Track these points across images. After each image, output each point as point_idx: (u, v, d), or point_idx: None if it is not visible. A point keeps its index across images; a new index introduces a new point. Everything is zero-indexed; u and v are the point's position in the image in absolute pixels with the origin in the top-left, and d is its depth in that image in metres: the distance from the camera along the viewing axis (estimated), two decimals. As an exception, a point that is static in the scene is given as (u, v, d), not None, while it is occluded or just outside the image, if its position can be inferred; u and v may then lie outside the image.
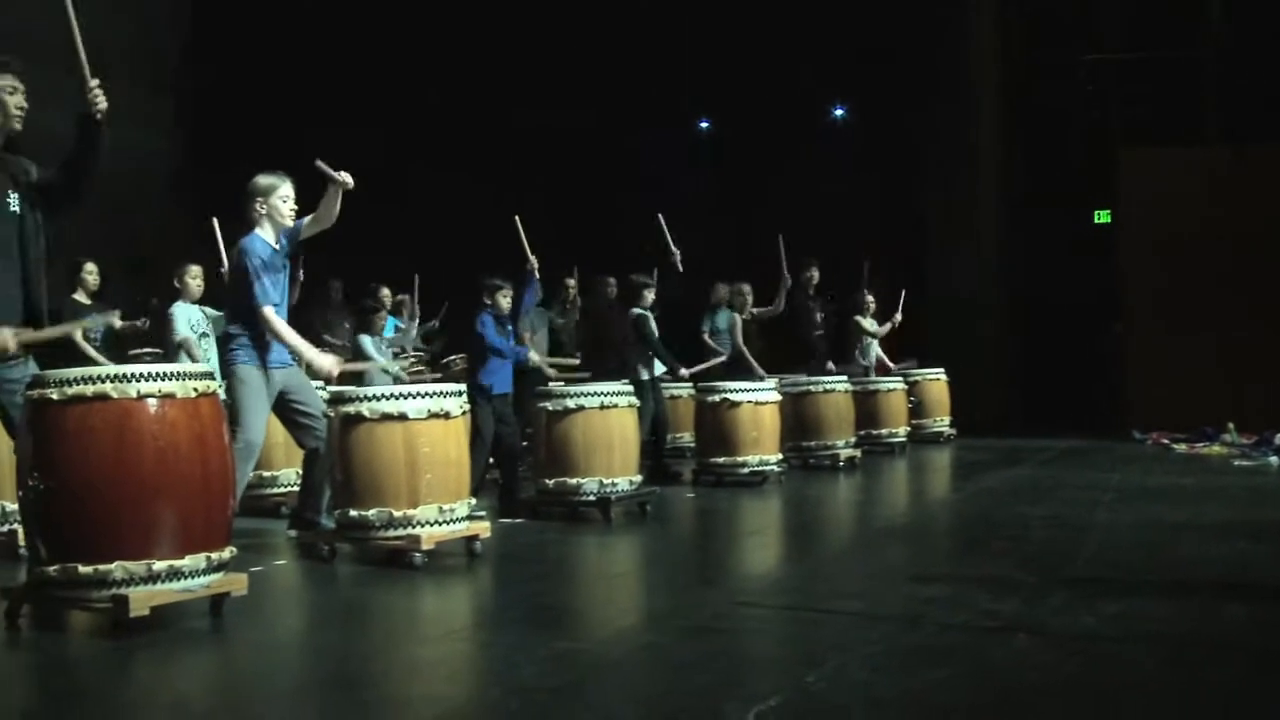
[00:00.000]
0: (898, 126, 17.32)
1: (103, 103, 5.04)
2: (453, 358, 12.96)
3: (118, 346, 10.63)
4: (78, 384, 4.66)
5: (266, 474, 8.63)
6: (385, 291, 11.22)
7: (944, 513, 8.62)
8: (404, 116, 16.45)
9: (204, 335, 8.89)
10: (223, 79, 16.11)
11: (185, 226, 15.92)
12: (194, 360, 8.55)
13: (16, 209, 5.16)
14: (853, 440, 11.77)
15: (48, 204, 5.26)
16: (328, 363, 6.62)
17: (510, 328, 8.86)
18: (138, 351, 11.43)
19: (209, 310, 8.93)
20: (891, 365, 14.04)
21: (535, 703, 3.70)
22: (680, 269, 10.72)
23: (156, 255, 10.80)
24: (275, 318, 6.46)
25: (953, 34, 17.44)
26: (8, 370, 5.18)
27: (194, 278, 8.91)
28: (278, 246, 6.58)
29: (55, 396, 4.66)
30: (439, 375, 11.86)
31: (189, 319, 8.86)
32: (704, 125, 19.00)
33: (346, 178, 6.21)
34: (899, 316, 13.70)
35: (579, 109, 17.26)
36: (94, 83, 5.03)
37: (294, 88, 15.98)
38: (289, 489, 8.69)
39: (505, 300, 8.71)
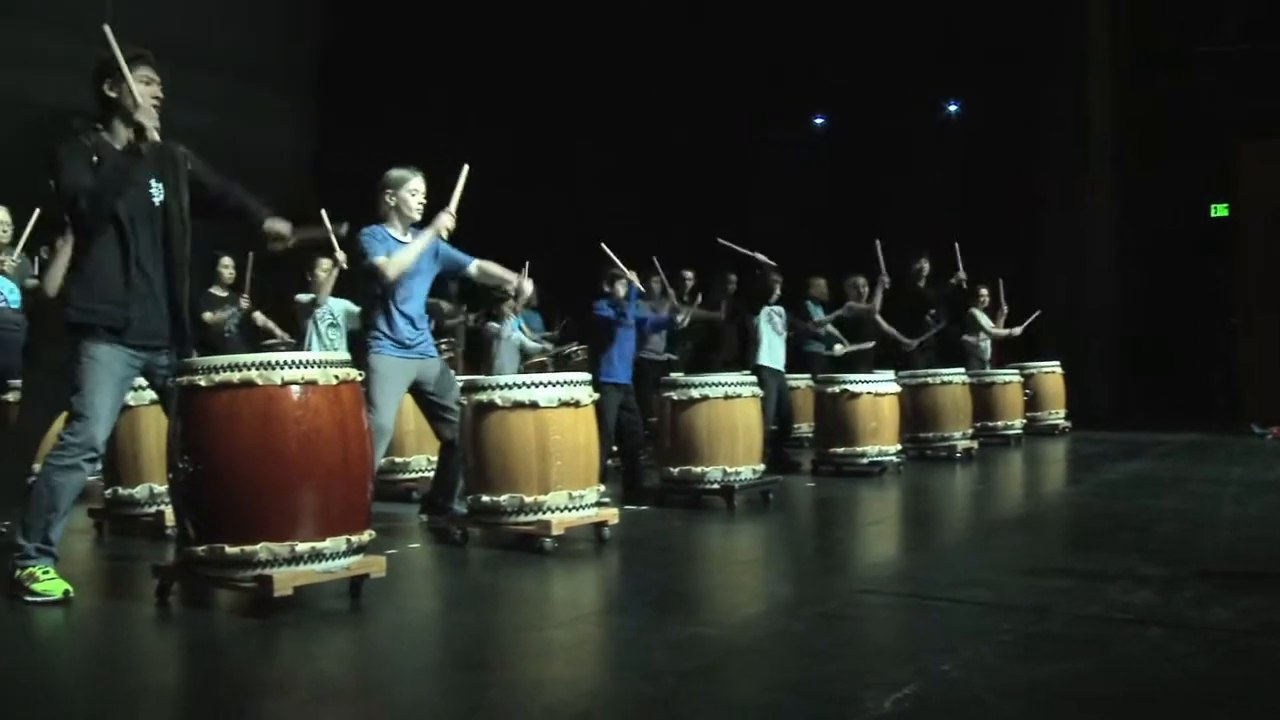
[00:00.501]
0: (1011, 121, 17.01)
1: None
2: (574, 349, 12.98)
3: (253, 338, 10.82)
4: (224, 371, 4.71)
5: (398, 460, 8.70)
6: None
7: (1065, 505, 8.43)
8: (532, 120, 16.50)
9: (333, 325, 8.98)
10: (362, 81, 16.33)
11: (316, 218, 16.27)
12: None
13: (160, 199, 5.24)
14: (969, 432, 11.58)
15: (193, 200, 5.35)
16: (444, 219, 6.61)
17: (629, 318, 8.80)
18: (271, 342, 11.62)
19: (350, 306, 9.01)
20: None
21: (669, 686, 3.65)
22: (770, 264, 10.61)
23: (292, 251, 10.94)
24: (382, 260, 6.47)
25: (1067, 28, 17.09)
26: (162, 356, 5.28)
27: (324, 270, 8.99)
28: (405, 238, 6.60)
29: (203, 383, 4.71)
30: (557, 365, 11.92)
31: (326, 306, 8.97)
32: (819, 122, 18.82)
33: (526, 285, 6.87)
34: (1018, 331, 13.52)
35: (696, 106, 17.22)
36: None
37: (433, 87, 16.15)
38: (419, 474, 8.76)
39: (623, 288, 8.66)
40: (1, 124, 13.16)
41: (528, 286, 6.88)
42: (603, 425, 8.31)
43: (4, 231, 9.10)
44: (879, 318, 11.76)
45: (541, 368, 12.33)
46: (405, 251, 6.48)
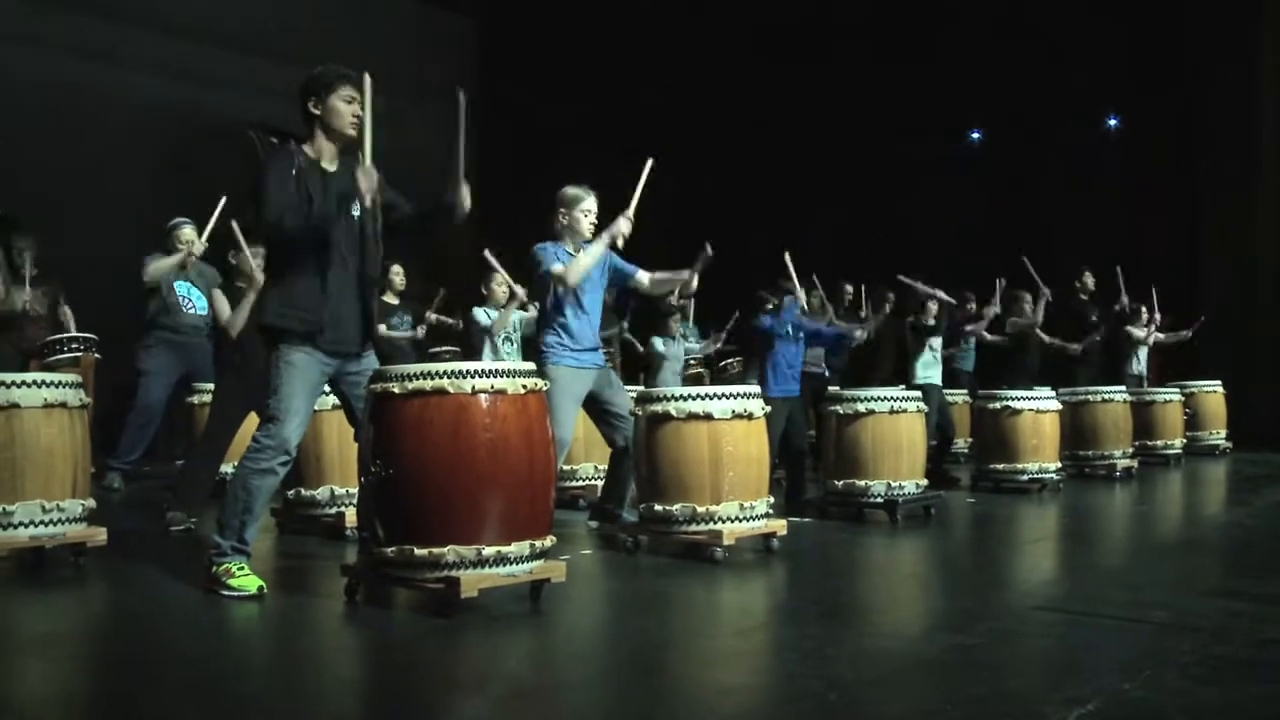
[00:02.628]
0: (1172, 132, 16.63)
1: (468, 206, 5.35)
2: (729, 361, 13.03)
3: (421, 345, 11.05)
4: (418, 379, 4.84)
5: (566, 467, 8.80)
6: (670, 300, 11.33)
7: (1231, 527, 8.23)
8: (689, 137, 16.57)
9: (508, 339, 9.12)
10: (511, 91, 16.56)
11: (482, 234, 16.53)
12: None
13: (358, 214, 5.39)
14: (1129, 451, 11.37)
15: (385, 225, 5.50)
16: (621, 224, 6.69)
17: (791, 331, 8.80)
18: (437, 350, 11.85)
19: (525, 314, 9.15)
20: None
21: (854, 695, 3.68)
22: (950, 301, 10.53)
23: (454, 261, 11.16)
24: (564, 269, 6.65)
25: (1231, 42, 16.65)
26: (351, 364, 5.45)
27: (499, 285, 9.15)
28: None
29: (396, 390, 4.85)
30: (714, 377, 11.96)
31: (498, 317, 9.11)
32: (975, 136, 18.60)
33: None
34: (1188, 333, 13.25)
35: (852, 118, 17.15)
36: (466, 189, 5.34)
37: (581, 99, 16.29)
38: (587, 482, 8.87)
39: (788, 302, 8.67)
40: (177, 135, 13.65)
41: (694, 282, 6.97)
42: (770, 437, 8.35)
43: (191, 246, 9.45)
44: (1040, 331, 11.61)
45: (698, 379, 12.40)
46: (584, 256, 6.62)
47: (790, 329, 8.63)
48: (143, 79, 13.79)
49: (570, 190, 6.85)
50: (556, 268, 6.61)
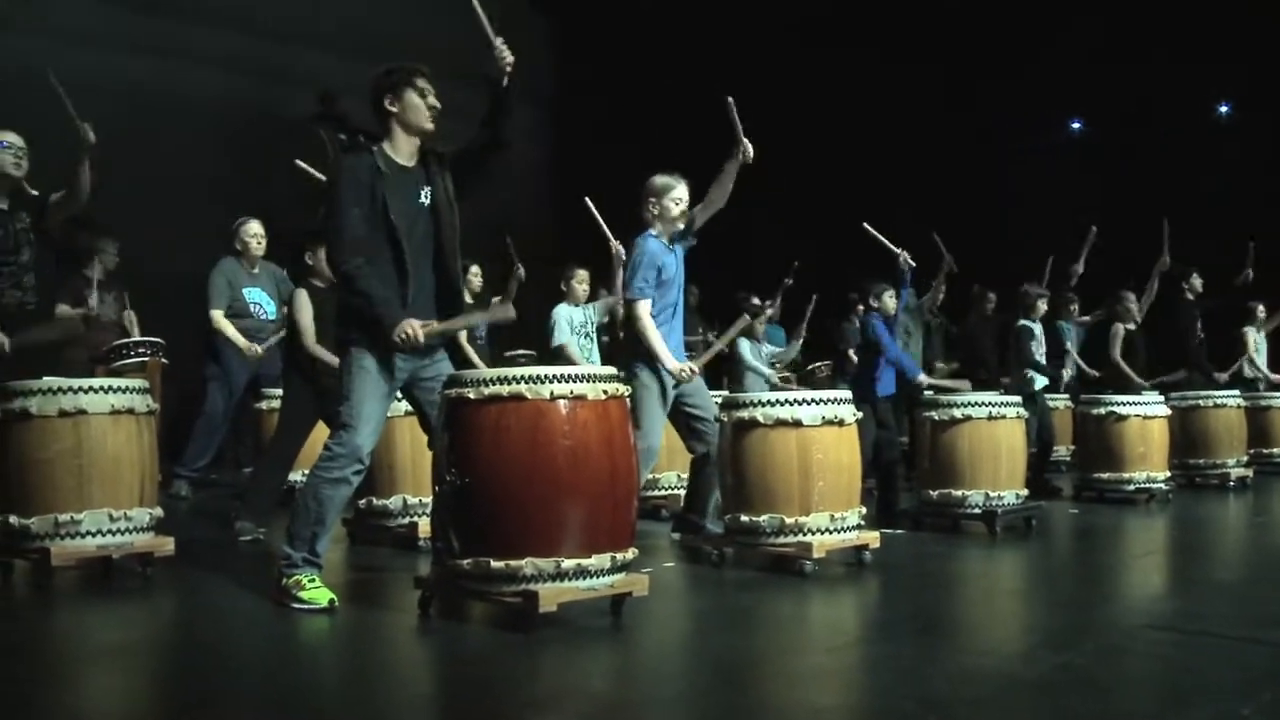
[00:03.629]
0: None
1: (509, 58, 5.24)
2: (818, 364, 12.97)
3: (496, 346, 11.09)
4: (494, 384, 4.85)
5: (649, 476, 8.79)
6: (755, 301, 11.31)
7: (1359, 541, 8.09)
8: (771, 121, 16.51)
9: (587, 335, 9.14)
10: (593, 83, 16.59)
11: (558, 228, 16.57)
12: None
13: (428, 202, 5.42)
14: (1244, 459, 11.17)
15: (458, 184, 5.53)
16: (675, 366, 6.74)
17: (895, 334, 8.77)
18: (513, 354, 11.89)
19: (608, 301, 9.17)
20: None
21: (952, 716, 3.65)
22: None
23: (532, 259, 11.18)
24: (644, 314, 6.73)
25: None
26: (424, 369, 5.47)
27: (580, 282, 9.16)
28: (671, 248, 6.76)
29: (472, 396, 4.86)
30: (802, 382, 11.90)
31: (572, 321, 9.11)
32: (1075, 126, 18.36)
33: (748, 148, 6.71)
34: None
35: (952, 111, 16.99)
36: (499, 41, 5.24)
37: (665, 89, 16.27)
38: (669, 491, 8.87)
39: (891, 301, 8.65)
40: (245, 133, 13.81)
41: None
42: (861, 445, 8.31)
43: (258, 243, 9.56)
44: (1120, 361, 11.33)
45: (785, 385, 12.35)
46: (650, 334, 6.75)
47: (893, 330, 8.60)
48: (207, 76, 13.96)
49: (660, 179, 6.87)
50: (635, 296, 6.78)
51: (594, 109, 16.64)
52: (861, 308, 8.86)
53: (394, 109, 5.40)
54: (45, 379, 6.03)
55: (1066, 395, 11.75)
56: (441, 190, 5.46)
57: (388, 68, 5.45)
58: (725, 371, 11.39)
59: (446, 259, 5.47)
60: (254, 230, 9.58)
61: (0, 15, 12.08)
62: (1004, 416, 7.98)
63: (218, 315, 9.38)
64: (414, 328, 5.19)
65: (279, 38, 14.62)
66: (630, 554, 5.05)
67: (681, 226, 6.84)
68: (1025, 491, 8.14)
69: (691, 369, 6.82)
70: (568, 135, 17.40)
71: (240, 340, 9.29)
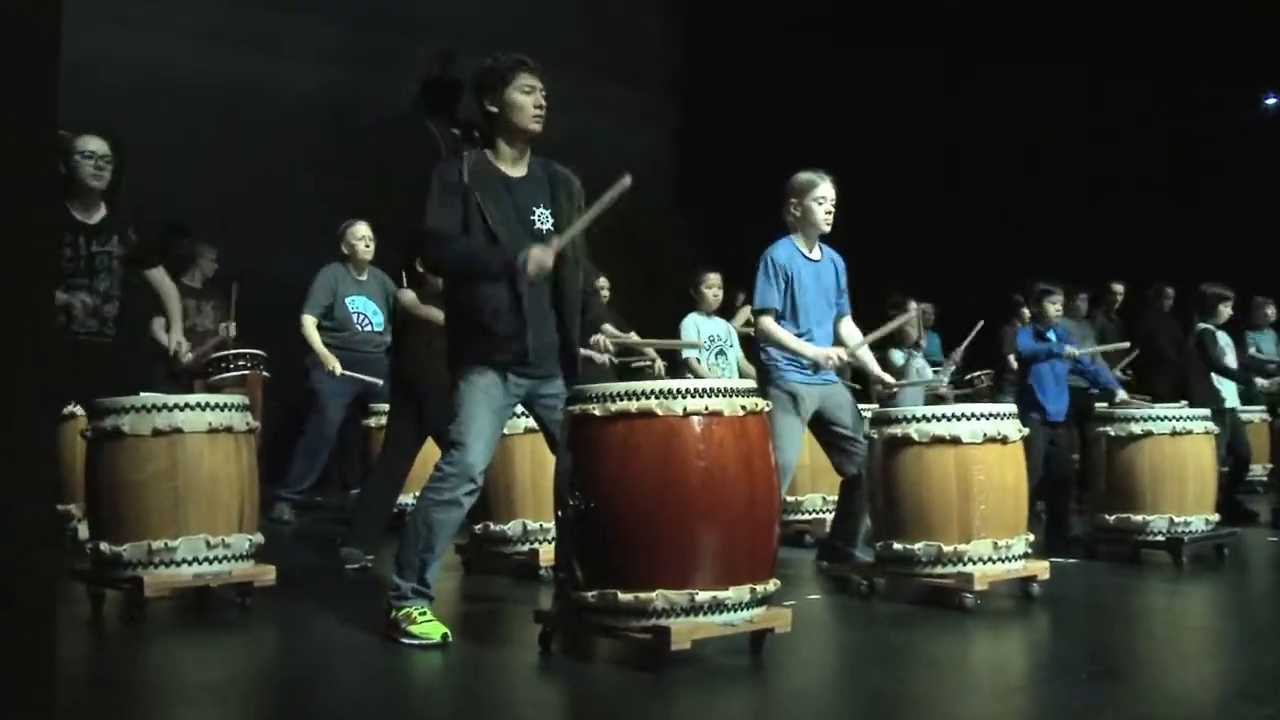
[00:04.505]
0: None
1: (532, 269, 5.24)
2: (978, 374, 12.78)
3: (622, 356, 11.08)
4: (621, 399, 4.84)
5: (790, 498, 8.70)
6: (913, 305, 11.19)
7: None
8: (926, 110, 16.38)
9: (720, 353, 9.09)
10: (726, 74, 16.58)
11: (690, 231, 16.58)
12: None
13: (548, 227, 5.43)
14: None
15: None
16: (816, 353, 6.68)
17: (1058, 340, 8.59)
18: (640, 365, 11.89)
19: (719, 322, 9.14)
20: None
21: (1139, 774, 3.54)
22: None
23: (662, 264, 11.21)
24: (770, 324, 6.71)
25: None
26: (545, 385, 5.48)
27: (710, 287, 9.14)
28: (815, 256, 6.70)
29: (597, 412, 4.85)
30: (964, 394, 11.74)
31: (702, 332, 9.09)
32: (1271, 101, 17.87)
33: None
34: None
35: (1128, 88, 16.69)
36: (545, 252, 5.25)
37: (803, 82, 16.22)
38: (814, 515, 8.81)
39: (1054, 308, 8.50)
40: (349, 130, 14.01)
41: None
42: (1030, 461, 8.17)
43: (366, 246, 9.64)
44: None
45: (940, 397, 12.20)
46: (784, 339, 6.70)
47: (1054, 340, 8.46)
48: (307, 68, 14.19)
49: (802, 176, 6.83)
50: (762, 311, 6.78)
51: (725, 93, 16.62)
52: (1026, 312, 8.71)
53: (495, 110, 5.40)
54: (141, 395, 6.14)
55: (1264, 407, 11.46)
56: (566, 223, 5.43)
57: (486, 63, 5.46)
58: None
59: (565, 301, 5.48)
60: (361, 233, 9.65)
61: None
62: (1190, 432, 7.81)
63: (308, 322, 9.48)
64: (541, 250, 5.19)
65: (384, 25, 14.81)
66: (771, 585, 5.00)
67: (827, 229, 6.79)
68: (1216, 516, 7.95)
69: (840, 355, 6.77)
70: (699, 120, 17.41)
71: (321, 351, 9.37)
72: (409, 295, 7.90)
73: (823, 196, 6.74)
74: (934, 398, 11.73)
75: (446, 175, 5.33)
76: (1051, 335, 8.56)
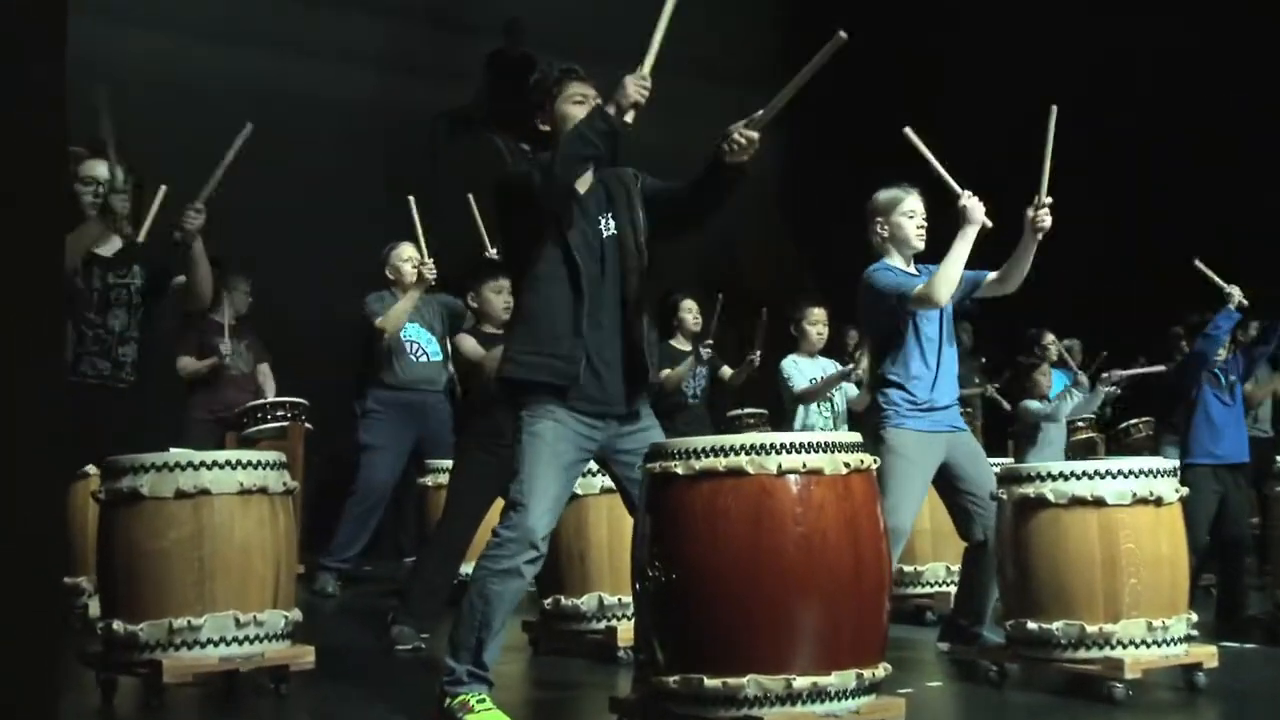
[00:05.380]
0: None
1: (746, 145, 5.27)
2: (1134, 422, 12.71)
3: (716, 407, 11.13)
4: (707, 456, 4.89)
5: (907, 568, 8.71)
6: (1050, 339, 11.16)
7: None
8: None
9: (826, 399, 9.10)
10: (836, 76, 16.61)
11: (792, 255, 16.60)
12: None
13: (612, 231, 5.53)
14: None
15: (658, 218, 5.61)
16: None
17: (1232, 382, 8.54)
18: (738, 413, 11.94)
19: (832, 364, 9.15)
20: None
21: None
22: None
23: (760, 289, 11.23)
24: (928, 286, 6.58)
25: None
26: (623, 438, 5.54)
27: (815, 324, 9.13)
28: (914, 272, 6.76)
29: (680, 470, 4.91)
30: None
31: (808, 376, 9.10)
32: None
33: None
34: None
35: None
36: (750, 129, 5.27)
37: (915, 82, 16.23)
38: (937, 589, 8.78)
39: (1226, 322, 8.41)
40: (401, 145, 14.18)
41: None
42: (1191, 529, 8.09)
43: (413, 267, 9.52)
44: None
45: (1090, 448, 12.16)
46: (949, 262, 6.58)
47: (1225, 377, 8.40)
48: (352, 70, 14.35)
49: (884, 194, 6.87)
50: (920, 287, 6.60)
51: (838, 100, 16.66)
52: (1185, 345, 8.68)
53: (548, 128, 5.54)
54: (168, 451, 6.19)
55: None
56: (627, 222, 5.56)
57: (534, 77, 5.62)
58: (1009, 434, 11.27)
59: (632, 315, 5.56)
60: (406, 254, 9.65)
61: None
62: None
63: (393, 312, 9.49)
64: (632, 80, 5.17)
65: (437, 19, 14.96)
66: (881, 670, 5.02)
67: (920, 245, 6.82)
68: None
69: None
70: (808, 136, 17.48)
71: (410, 298, 9.37)
72: (469, 343, 7.96)
73: (912, 210, 6.79)
74: (1083, 448, 11.70)
75: (521, 166, 5.51)
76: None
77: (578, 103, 5.46)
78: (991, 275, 6.85)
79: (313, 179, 13.22)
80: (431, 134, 14.94)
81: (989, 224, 6.60)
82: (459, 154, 13.95)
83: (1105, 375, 11.24)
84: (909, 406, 6.70)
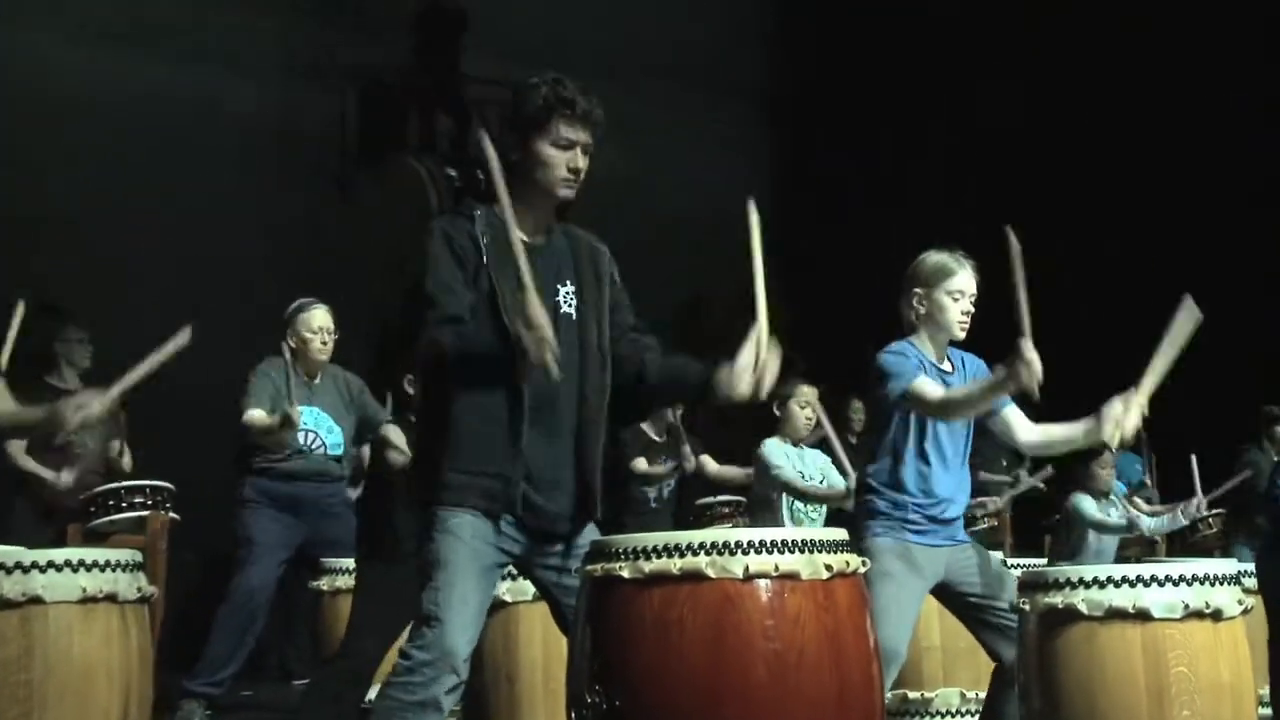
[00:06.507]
0: None
1: (745, 387, 5.29)
2: (1208, 514, 12.66)
3: (685, 495, 11.18)
4: (659, 556, 4.89)
5: (913, 694, 8.73)
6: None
7: None
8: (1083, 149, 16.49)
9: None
10: (830, 90, 16.77)
11: (779, 300, 16.62)
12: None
13: (572, 308, 5.54)
14: None
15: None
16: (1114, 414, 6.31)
17: None
18: (708, 501, 11.96)
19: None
20: None
21: None
22: None
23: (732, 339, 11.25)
24: (939, 392, 6.50)
25: None
26: (548, 542, 5.53)
27: (804, 405, 9.09)
28: (946, 368, 6.74)
29: (626, 574, 4.90)
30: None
31: (799, 464, 9.11)
32: None
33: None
34: None
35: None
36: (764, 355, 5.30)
37: (927, 98, 16.41)
38: (946, 717, 8.78)
39: None
40: (308, 171, 14.23)
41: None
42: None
43: (323, 343, 9.53)
44: None
45: (1150, 548, 12.17)
46: (978, 383, 6.54)
47: None
48: (237, 76, 14.38)
49: (932, 259, 6.73)
50: (916, 383, 6.47)
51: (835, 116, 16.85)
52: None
53: (515, 157, 5.46)
54: None
55: None
56: (593, 305, 5.57)
57: (516, 93, 5.54)
58: (1048, 528, 11.28)
59: (589, 421, 5.54)
60: (318, 322, 9.57)
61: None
62: None
63: (256, 416, 9.37)
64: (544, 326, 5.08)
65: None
66: (873, 818, 5.06)
67: (961, 334, 6.70)
68: None
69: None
70: (800, 157, 17.64)
71: (263, 422, 9.25)
72: (397, 435, 7.94)
73: (960, 291, 6.63)
74: (1137, 545, 11.69)
75: (455, 239, 5.38)
76: None
77: (561, 147, 5.41)
78: (1019, 427, 6.76)
79: (194, 204, 13.18)
80: (342, 149, 14.87)
81: (1033, 393, 6.23)
82: (374, 184, 13.98)
83: (1184, 507, 11.20)
84: (900, 513, 6.62)
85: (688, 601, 4.84)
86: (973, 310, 6.70)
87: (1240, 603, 6.38)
